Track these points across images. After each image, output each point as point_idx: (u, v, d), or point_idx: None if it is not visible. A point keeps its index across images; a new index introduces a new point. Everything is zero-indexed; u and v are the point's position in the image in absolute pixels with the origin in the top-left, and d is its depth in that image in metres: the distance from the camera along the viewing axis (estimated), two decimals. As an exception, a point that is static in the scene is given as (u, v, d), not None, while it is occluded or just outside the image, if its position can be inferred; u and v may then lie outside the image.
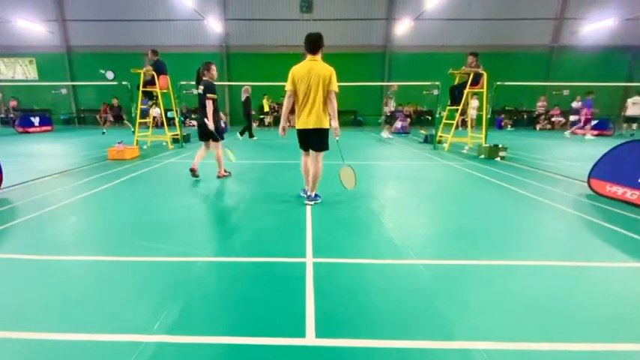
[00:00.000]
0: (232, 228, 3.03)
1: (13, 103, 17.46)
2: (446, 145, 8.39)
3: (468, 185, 4.78)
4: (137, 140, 8.19)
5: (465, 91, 7.82)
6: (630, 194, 3.69)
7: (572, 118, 13.95)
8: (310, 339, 1.56)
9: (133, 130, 8.78)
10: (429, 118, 16.70)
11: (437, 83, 9.19)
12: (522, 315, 1.75)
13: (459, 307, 1.81)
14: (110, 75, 16.35)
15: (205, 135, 4.83)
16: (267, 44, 16.70)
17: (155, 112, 10.62)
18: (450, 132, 8.24)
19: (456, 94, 8.21)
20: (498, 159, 6.71)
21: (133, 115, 8.68)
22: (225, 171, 5.14)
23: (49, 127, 14.10)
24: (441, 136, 8.79)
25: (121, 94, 12.67)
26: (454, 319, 1.70)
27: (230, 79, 17.27)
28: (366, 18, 16.75)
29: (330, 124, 3.48)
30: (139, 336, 1.56)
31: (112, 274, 2.19)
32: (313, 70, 3.32)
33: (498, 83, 7.78)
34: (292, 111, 3.58)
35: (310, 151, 3.58)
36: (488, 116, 7.96)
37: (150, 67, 8.03)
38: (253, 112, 12.15)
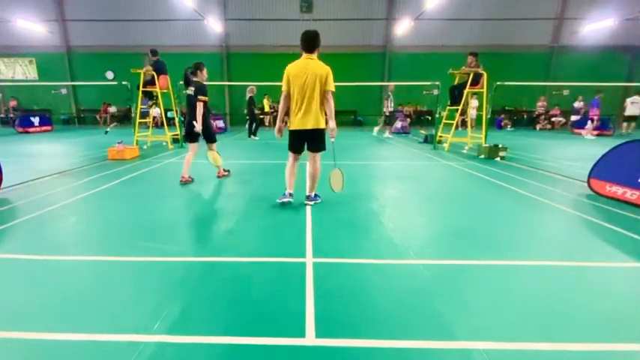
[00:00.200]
0: (232, 228, 3.03)
1: (13, 103, 17.47)
2: (446, 145, 8.39)
3: (468, 185, 4.78)
4: (137, 140, 8.19)
5: (465, 91, 7.82)
6: (630, 194, 3.69)
7: (573, 118, 13.95)
8: (310, 339, 1.56)
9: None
10: (429, 118, 16.69)
11: (437, 83, 9.19)
12: (522, 315, 1.75)
13: (458, 307, 1.81)
14: (110, 75, 16.35)
15: (195, 136, 4.67)
16: (267, 44, 16.70)
17: (155, 112, 10.62)
18: (450, 132, 8.24)
19: (455, 94, 8.21)
20: (498, 159, 6.71)
21: (132, 115, 8.68)
22: (224, 170, 5.10)
23: (49, 127, 14.10)
24: (441, 136, 8.79)
25: (121, 94, 12.67)
26: (454, 319, 1.70)
27: (230, 79, 17.27)
28: (366, 18, 16.75)
29: (326, 125, 3.43)
30: (139, 336, 1.56)
31: (112, 274, 2.20)
32: (309, 68, 3.24)
33: (498, 83, 7.78)
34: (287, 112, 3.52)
35: (309, 152, 3.51)
36: (488, 116, 7.97)
37: (150, 67, 8.03)
38: (257, 112, 12.10)
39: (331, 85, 3.32)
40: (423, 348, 1.51)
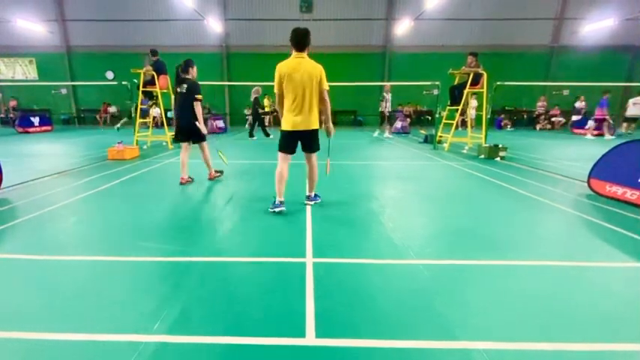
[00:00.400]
0: (232, 228, 3.03)
1: (13, 103, 17.47)
2: (446, 145, 8.39)
3: (468, 185, 4.78)
4: (137, 140, 8.19)
5: (465, 91, 7.82)
6: (630, 194, 3.69)
7: (574, 117, 13.94)
8: (310, 339, 1.56)
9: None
10: (429, 118, 16.69)
11: (437, 83, 9.20)
12: (522, 315, 1.75)
13: (459, 307, 1.81)
14: (110, 75, 16.35)
15: (187, 135, 4.61)
16: (267, 44, 16.69)
17: (155, 112, 10.62)
18: (450, 132, 8.24)
19: (455, 94, 8.21)
20: (498, 159, 6.71)
21: (132, 115, 8.68)
22: (216, 171, 4.93)
23: (48, 127, 14.10)
24: (440, 136, 8.79)
25: (121, 94, 12.67)
26: (454, 319, 1.70)
27: (230, 79, 17.28)
28: (366, 18, 16.75)
29: (321, 125, 3.39)
30: (139, 336, 1.56)
31: (112, 274, 2.19)
32: (302, 67, 3.14)
33: (498, 83, 7.79)
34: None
35: (304, 153, 3.45)
36: (488, 116, 7.97)
37: (150, 67, 8.03)
38: (262, 110, 12.05)
39: (326, 84, 3.26)
40: (423, 348, 1.51)
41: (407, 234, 2.86)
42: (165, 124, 9.03)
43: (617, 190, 3.83)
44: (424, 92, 14.75)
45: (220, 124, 13.27)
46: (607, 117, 11.56)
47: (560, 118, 15.63)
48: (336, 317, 1.72)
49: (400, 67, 17.16)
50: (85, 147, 8.76)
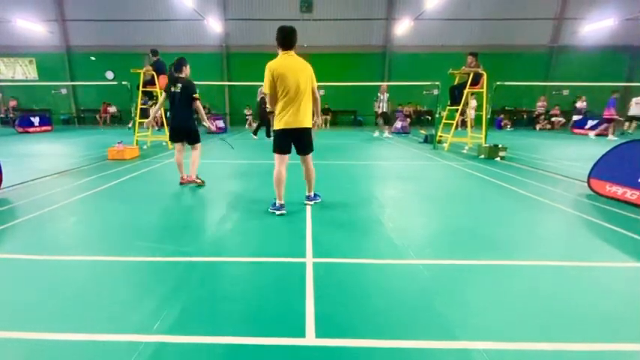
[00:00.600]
0: (232, 228, 3.03)
1: (13, 103, 17.47)
2: (446, 145, 8.39)
3: (468, 185, 4.78)
4: (137, 140, 8.19)
5: (465, 91, 7.82)
6: (630, 194, 3.69)
7: (575, 117, 13.92)
8: (310, 339, 1.56)
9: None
10: (429, 118, 16.70)
11: (437, 83, 9.20)
12: (522, 315, 1.75)
13: (458, 307, 1.81)
14: (110, 75, 16.34)
15: (181, 136, 4.48)
16: (267, 44, 16.64)
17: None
18: (450, 132, 8.24)
19: (455, 94, 8.21)
20: (498, 159, 6.71)
21: (132, 115, 8.68)
22: (197, 177, 4.51)
23: (48, 127, 14.09)
24: (440, 136, 8.79)
25: (121, 94, 12.67)
26: (454, 318, 1.70)
27: (230, 79, 17.28)
28: (366, 18, 16.75)
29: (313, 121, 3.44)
30: (139, 336, 1.56)
31: (112, 274, 2.20)
32: (295, 66, 3.13)
33: (498, 83, 7.79)
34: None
35: (300, 156, 3.44)
36: (488, 116, 7.97)
37: (150, 67, 8.03)
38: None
39: (315, 81, 3.33)
40: (423, 348, 1.51)
41: (407, 234, 2.86)
42: (165, 124, 9.03)
43: (617, 190, 3.83)
44: (424, 92, 14.80)
45: (220, 124, 13.25)
46: (614, 117, 11.46)
47: (560, 118, 15.63)
48: (336, 317, 1.72)
49: (400, 67, 17.17)
50: (85, 147, 8.76)
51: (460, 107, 8.04)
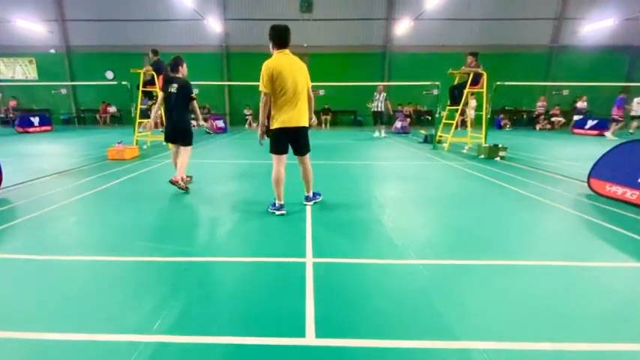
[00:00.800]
0: (232, 228, 3.03)
1: (12, 103, 17.46)
2: (446, 145, 8.39)
3: (467, 185, 4.78)
4: (137, 140, 8.19)
5: (465, 91, 7.82)
6: (630, 194, 3.69)
7: (575, 117, 13.91)
8: (310, 339, 1.56)
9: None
10: (429, 118, 16.70)
11: (437, 83, 9.20)
12: (522, 315, 1.75)
13: (458, 307, 1.81)
14: (110, 75, 16.35)
15: (175, 137, 4.39)
16: (267, 44, 16.52)
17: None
18: (450, 132, 8.24)
19: (455, 94, 8.21)
20: (498, 159, 6.71)
21: (132, 115, 8.68)
22: (187, 175, 4.38)
23: (48, 127, 14.08)
24: (440, 136, 8.79)
25: (121, 94, 12.66)
26: (454, 319, 1.70)
27: (230, 79, 17.28)
28: (366, 18, 16.75)
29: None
30: (139, 336, 1.56)
31: (112, 274, 2.19)
32: (293, 65, 3.14)
33: (498, 83, 7.79)
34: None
35: (297, 157, 3.43)
36: (488, 116, 7.97)
37: (150, 67, 8.03)
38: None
39: (310, 81, 3.34)
40: (422, 348, 1.51)
41: (407, 234, 2.86)
42: (164, 124, 9.01)
43: (617, 190, 3.83)
44: (424, 92, 14.78)
45: (220, 124, 13.25)
46: (617, 117, 11.40)
47: (560, 118, 15.63)
48: (336, 317, 1.72)
49: (400, 67, 17.16)
50: (85, 147, 8.75)
51: (460, 107, 8.04)
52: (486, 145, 7.06)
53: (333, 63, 16.61)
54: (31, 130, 13.16)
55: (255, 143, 3.97)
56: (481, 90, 7.79)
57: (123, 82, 9.04)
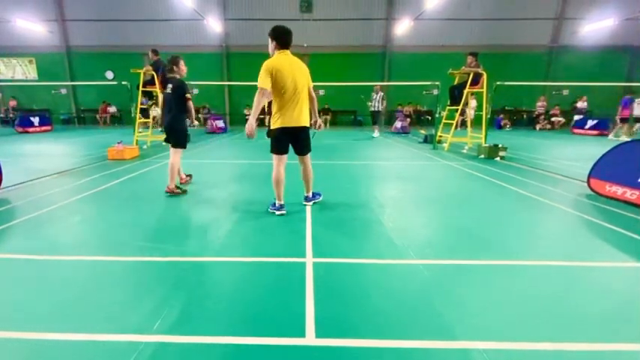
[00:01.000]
0: (232, 228, 3.03)
1: (12, 103, 17.46)
2: (446, 145, 8.39)
3: (467, 185, 4.78)
4: (137, 140, 8.19)
5: (465, 91, 7.82)
6: (630, 194, 3.69)
7: (576, 117, 13.91)
8: (310, 339, 1.56)
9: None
10: (429, 118, 16.70)
11: (437, 83, 9.20)
12: (522, 315, 1.75)
13: (458, 307, 1.81)
14: (110, 75, 16.35)
15: (168, 137, 4.29)
16: (268, 44, 16.68)
17: (155, 111, 10.62)
18: (450, 132, 8.24)
19: (455, 94, 8.21)
20: (498, 159, 6.71)
21: (132, 115, 8.68)
22: (177, 187, 4.20)
23: (48, 127, 14.08)
24: (440, 136, 8.79)
25: (121, 94, 12.66)
26: (454, 319, 1.70)
27: (230, 79, 17.27)
28: (366, 18, 16.74)
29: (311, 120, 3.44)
30: (139, 336, 1.56)
31: (112, 274, 2.19)
32: (294, 65, 3.14)
33: (498, 83, 7.79)
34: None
35: (298, 157, 3.43)
36: (488, 116, 7.97)
37: (150, 67, 8.03)
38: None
39: (311, 81, 3.35)
40: (422, 348, 1.51)
41: (407, 234, 2.86)
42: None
43: (617, 190, 3.83)
44: (424, 92, 14.78)
45: (220, 124, 13.25)
46: (622, 117, 11.35)
47: (560, 118, 15.63)
48: (336, 317, 1.72)
49: (400, 67, 17.16)
50: (85, 147, 8.75)
51: (460, 107, 8.04)
52: (486, 145, 7.06)
53: (333, 63, 16.61)
54: (31, 130, 13.16)
55: (256, 143, 3.96)
56: (481, 90, 7.79)
57: (123, 82, 9.04)
